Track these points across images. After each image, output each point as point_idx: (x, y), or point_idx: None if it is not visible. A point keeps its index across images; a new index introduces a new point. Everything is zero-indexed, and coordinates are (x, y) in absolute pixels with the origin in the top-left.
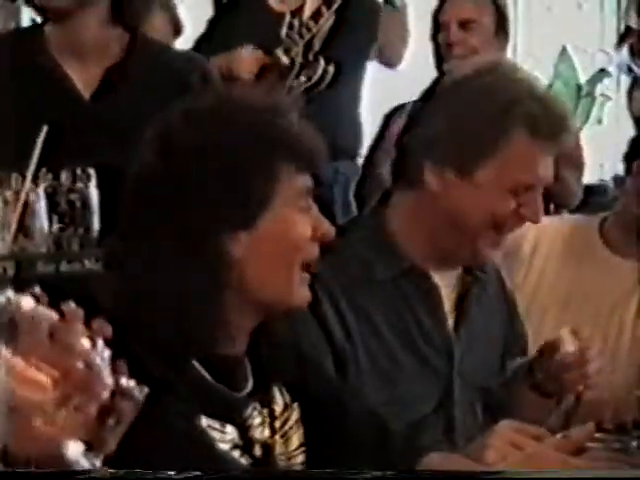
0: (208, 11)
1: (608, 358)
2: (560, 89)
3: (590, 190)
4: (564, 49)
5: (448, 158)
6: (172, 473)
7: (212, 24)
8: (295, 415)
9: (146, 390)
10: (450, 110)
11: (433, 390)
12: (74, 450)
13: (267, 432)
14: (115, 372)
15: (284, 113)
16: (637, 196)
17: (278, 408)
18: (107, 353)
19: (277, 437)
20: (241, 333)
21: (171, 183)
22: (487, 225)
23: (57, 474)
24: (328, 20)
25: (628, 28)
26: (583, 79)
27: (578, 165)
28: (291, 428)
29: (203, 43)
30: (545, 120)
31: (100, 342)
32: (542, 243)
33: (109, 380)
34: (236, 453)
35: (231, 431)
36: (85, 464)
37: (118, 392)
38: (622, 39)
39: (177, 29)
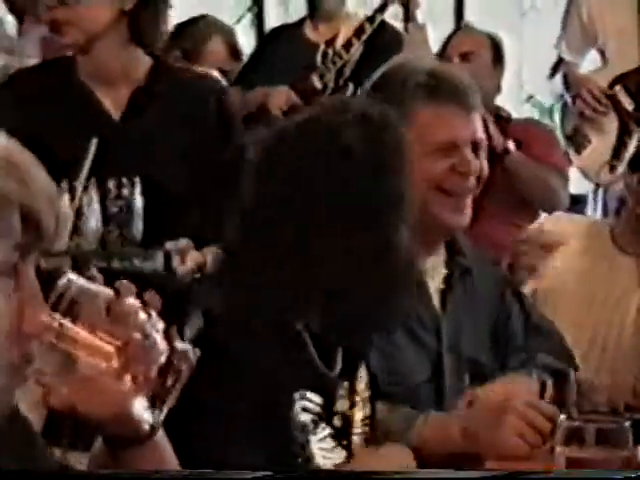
0: (252, 42)
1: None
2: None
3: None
4: None
5: None
6: (186, 472)
7: (256, 54)
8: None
9: (198, 352)
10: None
11: (425, 363)
12: (139, 407)
13: (347, 405)
14: (168, 338)
15: None
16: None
17: (359, 384)
18: (160, 323)
19: (355, 409)
20: None
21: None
22: (432, 190)
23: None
24: (358, 49)
25: (560, 59)
26: None
27: (564, 175)
28: (362, 401)
29: (248, 70)
30: (440, 85)
31: (154, 314)
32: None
33: (163, 347)
34: (321, 424)
35: (320, 402)
36: (149, 419)
37: (175, 354)
38: (555, 70)
39: (236, 54)
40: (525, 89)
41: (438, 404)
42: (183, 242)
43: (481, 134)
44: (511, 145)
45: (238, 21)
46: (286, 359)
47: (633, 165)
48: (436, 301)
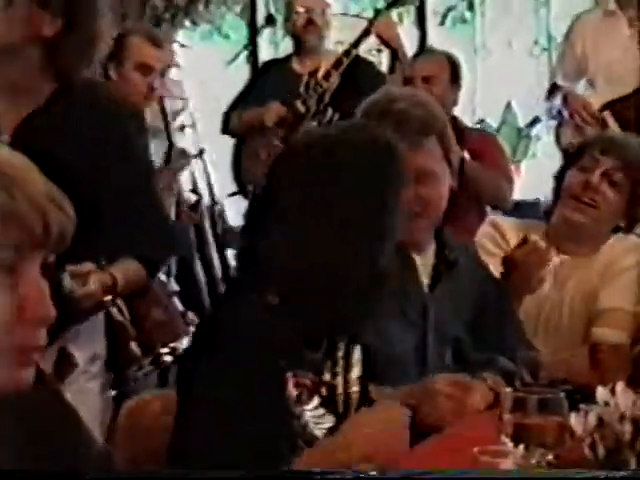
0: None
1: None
2: (506, 132)
3: (526, 205)
4: (509, 103)
5: None
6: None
7: (250, 83)
8: (357, 354)
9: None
10: None
11: (410, 336)
12: None
13: (329, 376)
14: None
15: None
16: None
17: (340, 353)
18: None
19: (339, 378)
20: None
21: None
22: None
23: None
24: (336, 79)
25: (555, 84)
26: (522, 124)
27: (509, 177)
28: (351, 365)
29: (242, 98)
30: (390, 121)
31: None
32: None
33: None
34: (312, 395)
35: (310, 377)
36: None
37: None
38: (551, 92)
39: (156, 43)
40: (477, 113)
41: (422, 373)
42: (86, 265)
43: (425, 163)
44: (466, 155)
45: (236, 57)
46: (280, 349)
47: (559, 177)
48: (425, 287)
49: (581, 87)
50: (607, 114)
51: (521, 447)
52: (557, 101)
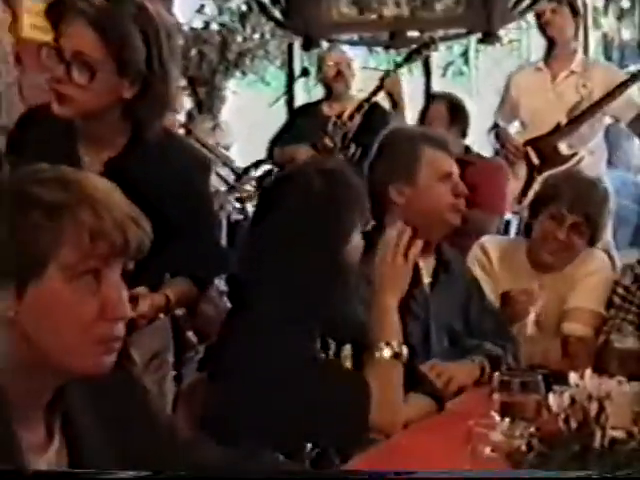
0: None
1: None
2: None
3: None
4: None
5: (402, 178)
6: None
7: (288, 124)
8: (346, 351)
9: None
10: (385, 151)
11: (417, 329)
12: None
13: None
14: None
15: None
16: (541, 239)
17: (331, 352)
18: None
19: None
20: None
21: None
22: (446, 206)
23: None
24: (358, 120)
25: (495, 124)
26: None
27: (499, 214)
28: (343, 361)
29: (280, 135)
30: (432, 137)
31: None
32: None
33: None
34: None
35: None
36: None
37: None
38: (491, 129)
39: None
40: (474, 146)
41: (427, 358)
42: (138, 290)
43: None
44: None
45: (276, 101)
46: (296, 342)
47: (533, 211)
48: (427, 287)
49: (516, 127)
50: (529, 149)
51: (507, 420)
52: (492, 137)
